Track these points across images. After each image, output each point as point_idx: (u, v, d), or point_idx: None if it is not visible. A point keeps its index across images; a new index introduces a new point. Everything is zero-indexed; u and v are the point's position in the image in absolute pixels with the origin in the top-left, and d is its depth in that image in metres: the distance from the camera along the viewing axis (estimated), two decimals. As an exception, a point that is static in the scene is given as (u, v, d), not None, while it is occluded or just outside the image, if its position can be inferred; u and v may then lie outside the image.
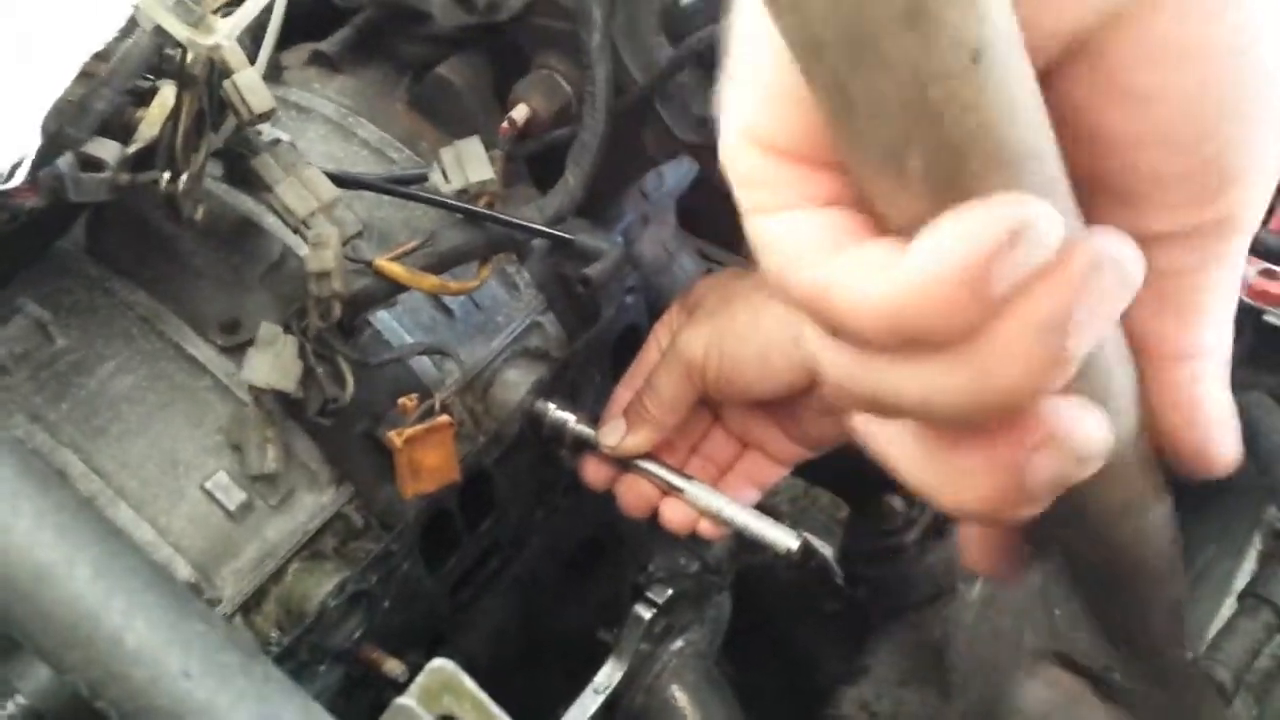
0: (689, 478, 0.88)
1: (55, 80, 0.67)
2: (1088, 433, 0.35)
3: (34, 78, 0.66)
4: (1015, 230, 0.30)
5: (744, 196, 0.36)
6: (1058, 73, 0.34)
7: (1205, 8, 0.33)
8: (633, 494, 0.90)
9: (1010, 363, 0.32)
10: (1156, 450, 0.40)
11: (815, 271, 0.34)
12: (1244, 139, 0.35)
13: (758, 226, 0.36)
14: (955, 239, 0.30)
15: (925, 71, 0.29)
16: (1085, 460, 0.35)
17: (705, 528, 0.88)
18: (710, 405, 0.91)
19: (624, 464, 0.89)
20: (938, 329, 0.32)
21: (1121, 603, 0.47)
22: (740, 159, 0.36)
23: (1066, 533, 0.42)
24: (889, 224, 0.34)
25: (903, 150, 0.31)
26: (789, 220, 0.35)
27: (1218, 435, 0.40)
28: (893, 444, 0.39)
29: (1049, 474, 0.35)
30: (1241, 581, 1.01)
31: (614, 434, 0.88)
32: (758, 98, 0.35)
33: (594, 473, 0.91)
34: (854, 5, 0.28)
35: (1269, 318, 0.98)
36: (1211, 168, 0.35)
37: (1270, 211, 0.88)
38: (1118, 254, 0.32)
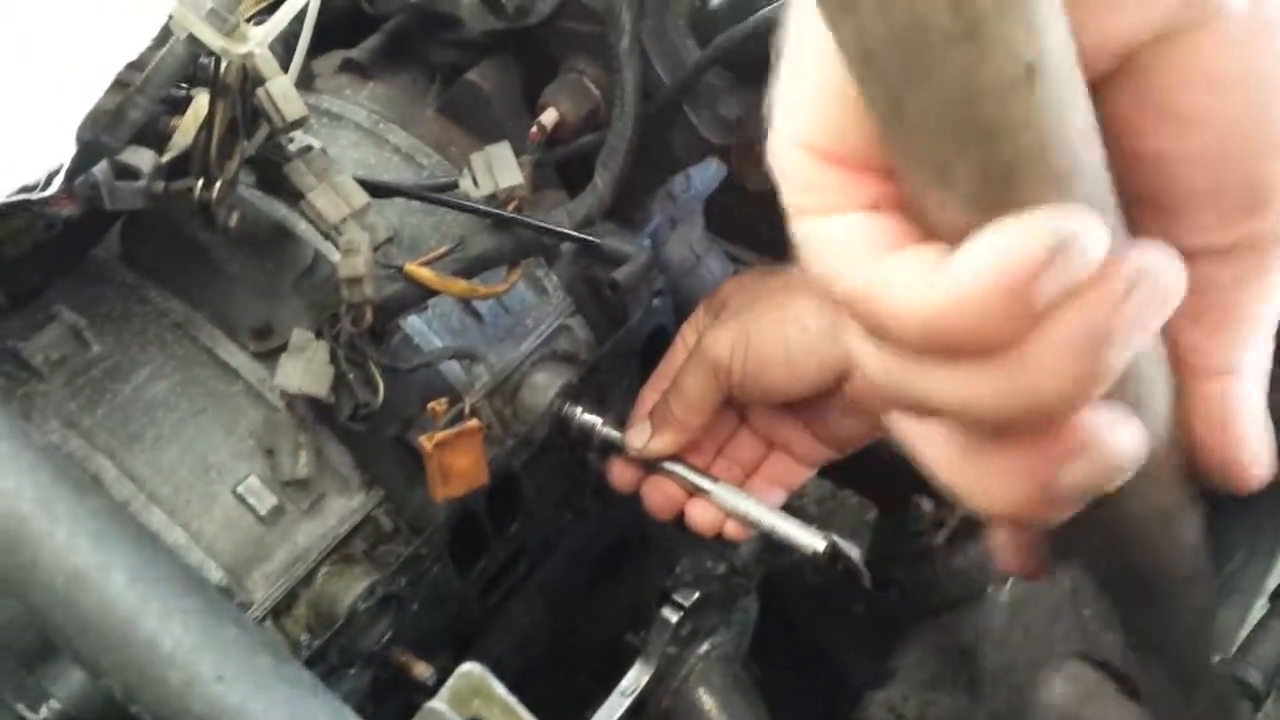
0: (715, 479, 0.88)
1: (86, 89, 0.67)
2: (1121, 442, 0.35)
3: (63, 81, 0.67)
4: (1058, 244, 0.30)
5: (791, 198, 0.37)
6: (1103, 88, 0.34)
7: (1250, 35, 0.33)
8: (658, 495, 0.90)
9: (1048, 374, 0.32)
10: (1188, 461, 0.41)
11: (860, 275, 0.34)
12: None
13: (804, 228, 0.36)
14: (997, 251, 0.31)
15: (979, 87, 0.30)
16: (1117, 469, 0.35)
17: (732, 529, 0.88)
18: (736, 407, 0.91)
19: (650, 466, 0.90)
20: (976, 338, 0.32)
21: (1146, 608, 0.47)
22: (789, 162, 0.37)
23: (1095, 537, 0.42)
24: (937, 231, 0.34)
25: (953, 162, 0.32)
26: (835, 223, 0.36)
27: (1246, 451, 0.40)
28: (927, 442, 0.39)
29: (1080, 481, 0.36)
30: (1273, 583, 1.00)
31: (640, 436, 0.88)
32: (809, 102, 0.36)
33: (620, 475, 0.91)
34: (911, 20, 0.29)
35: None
36: (1249, 189, 0.36)
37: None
38: (1158, 268, 0.33)
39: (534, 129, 0.89)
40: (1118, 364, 0.33)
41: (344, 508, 0.81)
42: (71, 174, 0.67)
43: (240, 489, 0.77)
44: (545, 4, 0.90)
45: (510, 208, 0.84)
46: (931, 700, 1.03)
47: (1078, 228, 0.31)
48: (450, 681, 0.61)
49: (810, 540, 0.84)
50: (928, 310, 0.33)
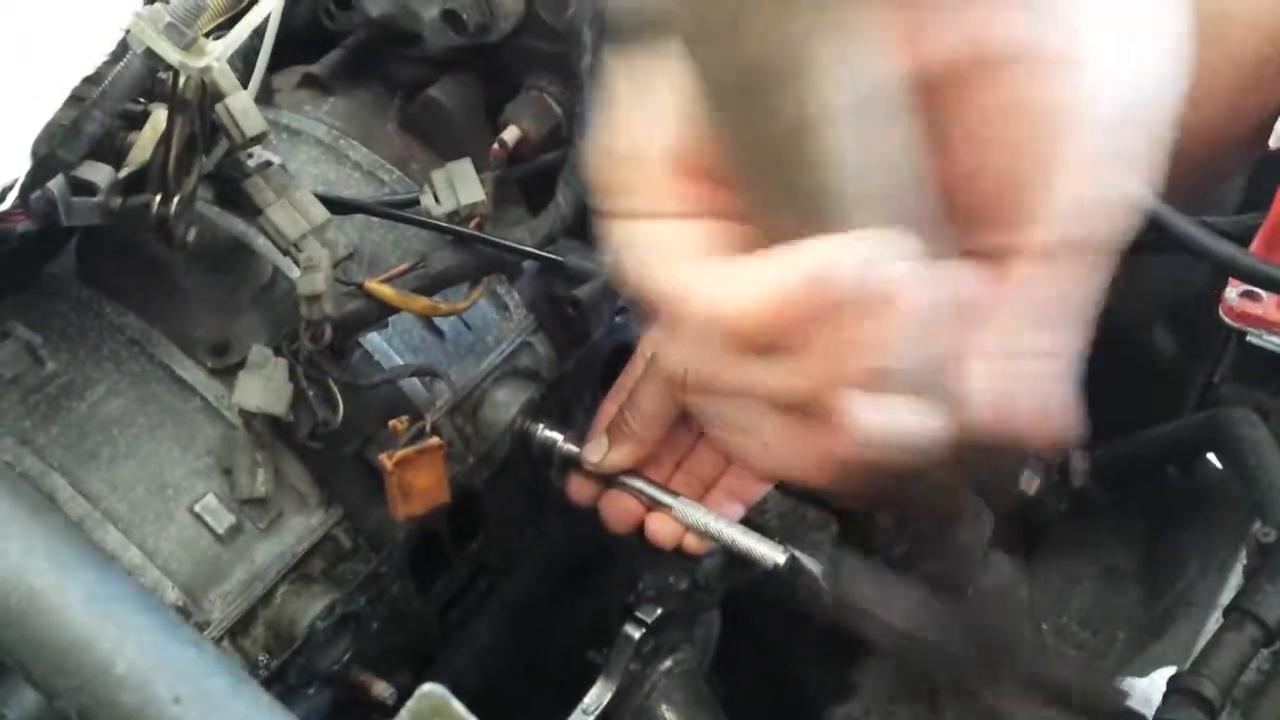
0: (674, 493, 0.88)
1: (44, 102, 0.67)
2: (901, 426, 0.41)
3: (17, 95, 0.66)
4: (828, 272, 0.36)
5: (615, 201, 0.42)
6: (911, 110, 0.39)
7: (1023, 78, 0.38)
8: (616, 509, 0.90)
9: (825, 371, 0.39)
10: (979, 435, 0.46)
11: (674, 277, 0.40)
12: (1036, 187, 0.41)
13: (626, 230, 0.42)
14: (783, 271, 0.37)
15: (784, 126, 0.35)
16: (899, 448, 0.41)
17: (691, 542, 0.88)
18: (696, 420, 0.92)
19: (608, 480, 0.90)
20: (766, 339, 0.38)
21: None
22: (618, 167, 0.42)
23: (896, 496, 0.53)
24: (769, 239, 0.39)
25: (765, 183, 0.37)
26: (661, 227, 0.41)
27: (1024, 422, 0.44)
28: (729, 417, 0.48)
29: (864, 457, 0.42)
30: (1227, 596, 1.01)
31: (596, 450, 0.88)
32: (647, 114, 0.41)
33: (578, 489, 0.91)
34: (736, 67, 0.34)
35: (1251, 338, 0.99)
36: (1007, 205, 0.41)
37: (1250, 234, 0.89)
38: (932, 291, 0.38)
39: (496, 146, 0.90)
40: (890, 365, 0.39)
41: (303, 526, 0.80)
42: (26, 189, 0.66)
43: (197, 507, 0.77)
44: (507, 21, 0.90)
45: (472, 225, 0.84)
46: (892, 713, 1.04)
47: (851, 257, 0.36)
48: (410, 702, 0.60)
49: (770, 553, 0.84)
50: (729, 313, 0.38)
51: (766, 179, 0.37)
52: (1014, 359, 0.44)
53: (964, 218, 0.42)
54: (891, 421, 0.40)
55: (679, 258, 0.40)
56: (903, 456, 0.41)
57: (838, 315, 0.37)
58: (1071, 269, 0.43)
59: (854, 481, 0.45)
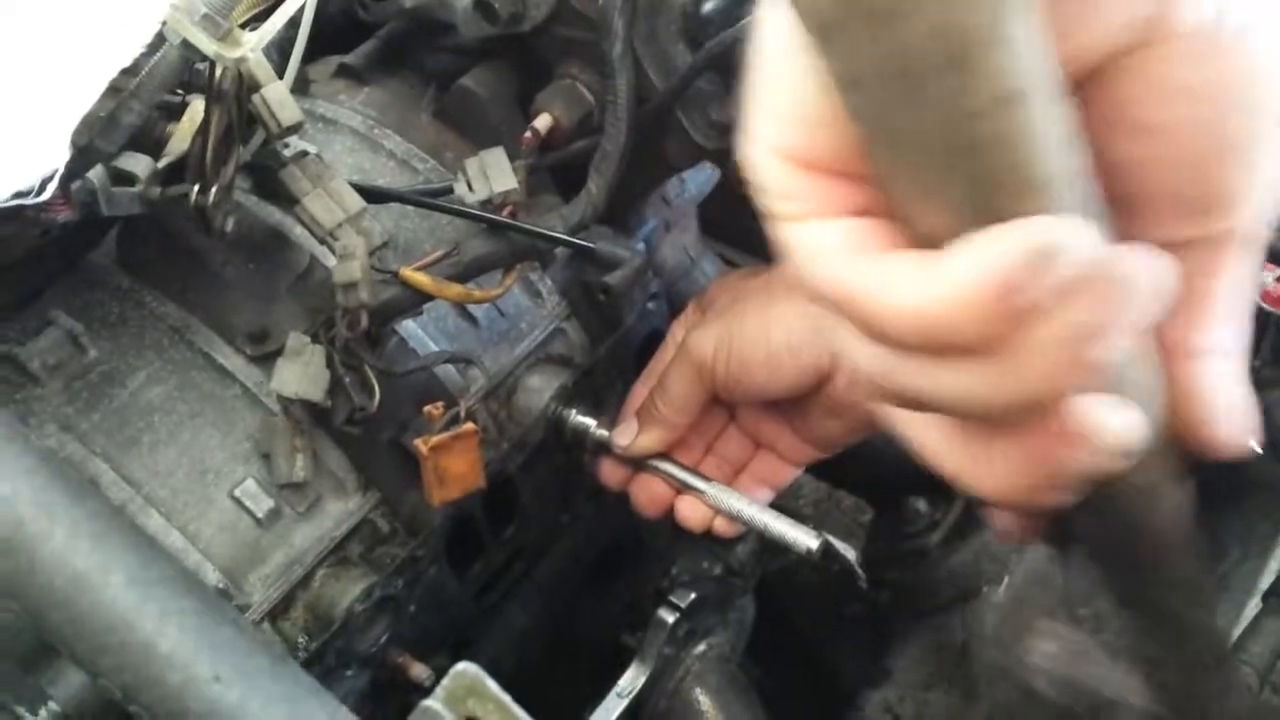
0: (705, 478, 0.88)
1: (82, 93, 0.68)
2: (1121, 431, 0.36)
3: (58, 87, 0.67)
4: (1044, 250, 0.32)
5: (771, 205, 0.38)
6: (1071, 98, 0.35)
7: (1208, 52, 0.35)
8: (645, 493, 0.90)
9: (1038, 371, 0.34)
10: (1174, 437, 0.42)
11: (852, 278, 0.36)
12: (1240, 167, 0.37)
13: (789, 234, 0.38)
14: (989, 257, 0.32)
15: (963, 111, 0.31)
16: (1118, 456, 0.37)
17: (721, 525, 0.89)
18: (726, 405, 0.92)
19: (638, 464, 0.90)
20: (970, 338, 0.33)
21: (1139, 574, 0.50)
22: (767, 171, 0.38)
23: (1087, 510, 0.44)
24: (922, 237, 0.35)
25: (939, 177, 0.33)
26: (821, 228, 0.37)
27: (1226, 425, 0.42)
28: (924, 433, 0.41)
29: (1082, 468, 0.37)
30: (1266, 581, 1.01)
31: (626, 434, 0.89)
32: (784, 114, 0.37)
33: (609, 473, 0.92)
34: (899, 51, 0.30)
35: (1287, 320, 0.98)
36: (1205, 193, 0.38)
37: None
38: (1144, 271, 0.34)
39: (528, 134, 0.90)
40: (1104, 360, 0.34)
41: (340, 510, 0.81)
42: (66, 179, 0.67)
43: (237, 492, 0.78)
44: (539, 10, 0.91)
45: (505, 212, 0.84)
46: (927, 700, 1.04)
47: (1064, 234, 0.32)
48: (445, 681, 0.61)
49: (803, 538, 0.84)
50: (923, 312, 0.34)
51: (924, 174, 0.33)
52: (1233, 357, 0.42)
53: (1131, 207, 0.38)
54: (1128, 425, 0.36)
55: (848, 260, 0.36)
56: (1124, 464, 0.37)
57: (1063, 302, 0.32)
58: (1259, 256, 0.41)
59: (1068, 496, 0.39)
